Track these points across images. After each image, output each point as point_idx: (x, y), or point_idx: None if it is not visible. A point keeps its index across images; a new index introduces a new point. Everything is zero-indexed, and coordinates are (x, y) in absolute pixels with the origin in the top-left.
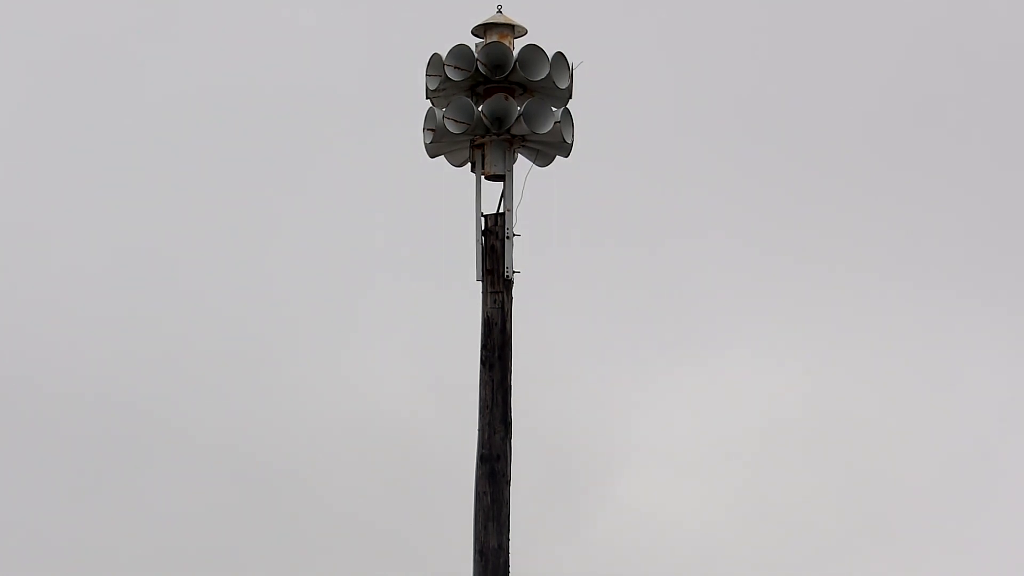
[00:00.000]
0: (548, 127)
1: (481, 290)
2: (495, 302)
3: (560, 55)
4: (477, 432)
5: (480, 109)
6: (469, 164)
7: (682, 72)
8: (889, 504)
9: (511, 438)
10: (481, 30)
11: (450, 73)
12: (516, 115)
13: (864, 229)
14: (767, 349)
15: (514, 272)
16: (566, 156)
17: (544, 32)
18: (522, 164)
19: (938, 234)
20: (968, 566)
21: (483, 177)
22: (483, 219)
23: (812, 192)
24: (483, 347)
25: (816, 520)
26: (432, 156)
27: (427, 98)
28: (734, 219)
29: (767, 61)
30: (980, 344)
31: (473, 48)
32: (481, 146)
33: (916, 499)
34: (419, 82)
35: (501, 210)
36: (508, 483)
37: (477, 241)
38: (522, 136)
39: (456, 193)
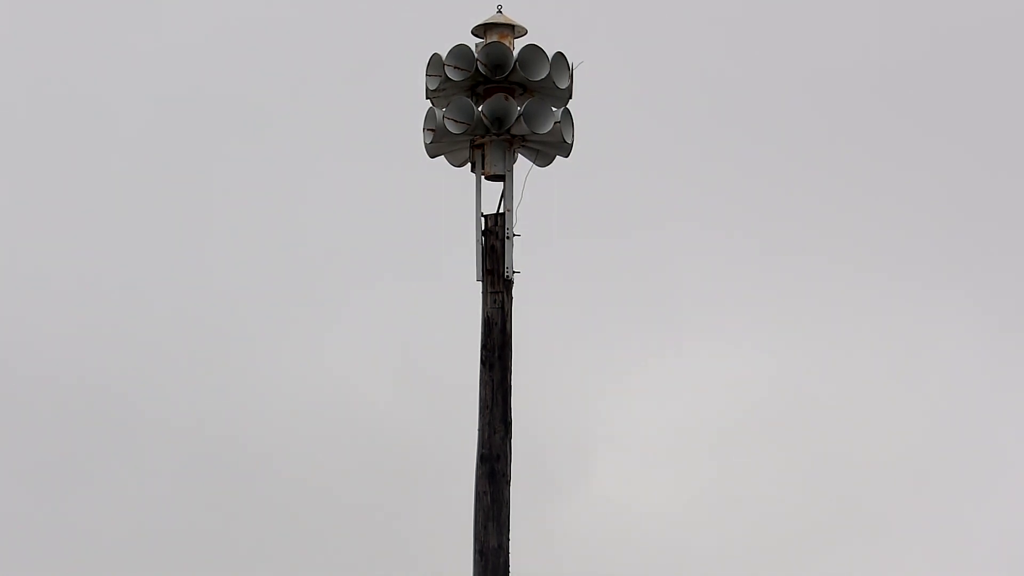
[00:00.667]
0: (548, 127)
1: (481, 290)
2: (495, 302)
3: (560, 55)
4: (477, 432)
5: (480, 109)
6: (469, 164)
7: (682, 72)
8: (876, 498)
9: (511, 438)
10: (481, 30)
11: (450, 73)
12: (516, 115)
13: (864, 229)
14: (770, 348)
15: (514, 272)
16: (566, 156)
17: (544, 32)
18: (522, 164)
19: (936, 233)
20: (960, 561)
21: (483, 177)
22: (483, 219)
23: (812, 191)
24: (483, 347)
25: (822, 519)
26: (432, 156)
27: (427, 98)
28: (734, 219)
29: (768, 61)
30: (975, 343)
31: (473, 48)
32: (481, 146)
33: (905, 494)
34: (419, 82)
35: (501, 210)
36: (508, 483)
37: (477, 241)
38: (522, 136)
39: (456, 193)
